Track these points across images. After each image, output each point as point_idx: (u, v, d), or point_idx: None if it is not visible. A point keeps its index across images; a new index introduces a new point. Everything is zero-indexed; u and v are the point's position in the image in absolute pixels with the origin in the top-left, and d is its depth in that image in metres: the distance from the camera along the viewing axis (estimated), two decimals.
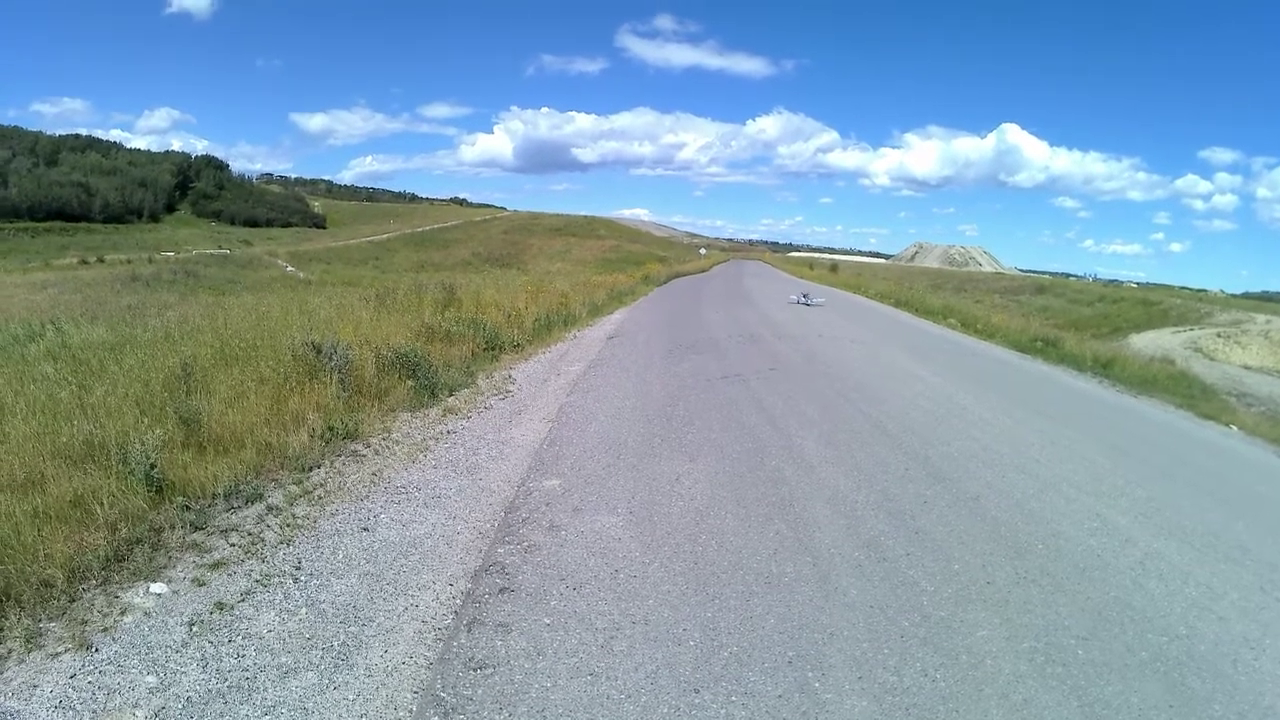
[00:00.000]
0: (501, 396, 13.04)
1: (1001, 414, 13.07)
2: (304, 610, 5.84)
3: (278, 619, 5.70)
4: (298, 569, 6.49)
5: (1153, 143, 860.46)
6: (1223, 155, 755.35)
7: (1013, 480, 9.18)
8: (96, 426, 8.17)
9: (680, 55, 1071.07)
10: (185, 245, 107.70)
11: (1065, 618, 5.99)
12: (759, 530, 7.33)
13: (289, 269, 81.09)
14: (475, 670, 5.13)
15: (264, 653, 5.26)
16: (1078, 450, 10.95)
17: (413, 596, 6.12)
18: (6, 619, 5.47)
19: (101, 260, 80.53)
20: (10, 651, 5.18)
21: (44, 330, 17.05)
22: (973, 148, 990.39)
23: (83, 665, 5.06)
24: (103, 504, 6.77)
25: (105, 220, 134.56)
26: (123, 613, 5.70)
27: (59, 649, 5.23)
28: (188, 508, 7.27)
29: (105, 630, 5.47)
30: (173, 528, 6.94)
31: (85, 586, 5.98)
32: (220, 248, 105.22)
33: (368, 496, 8.16)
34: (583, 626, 5.65)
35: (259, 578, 6.30)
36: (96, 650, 5.23)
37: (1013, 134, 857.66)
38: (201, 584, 6.16)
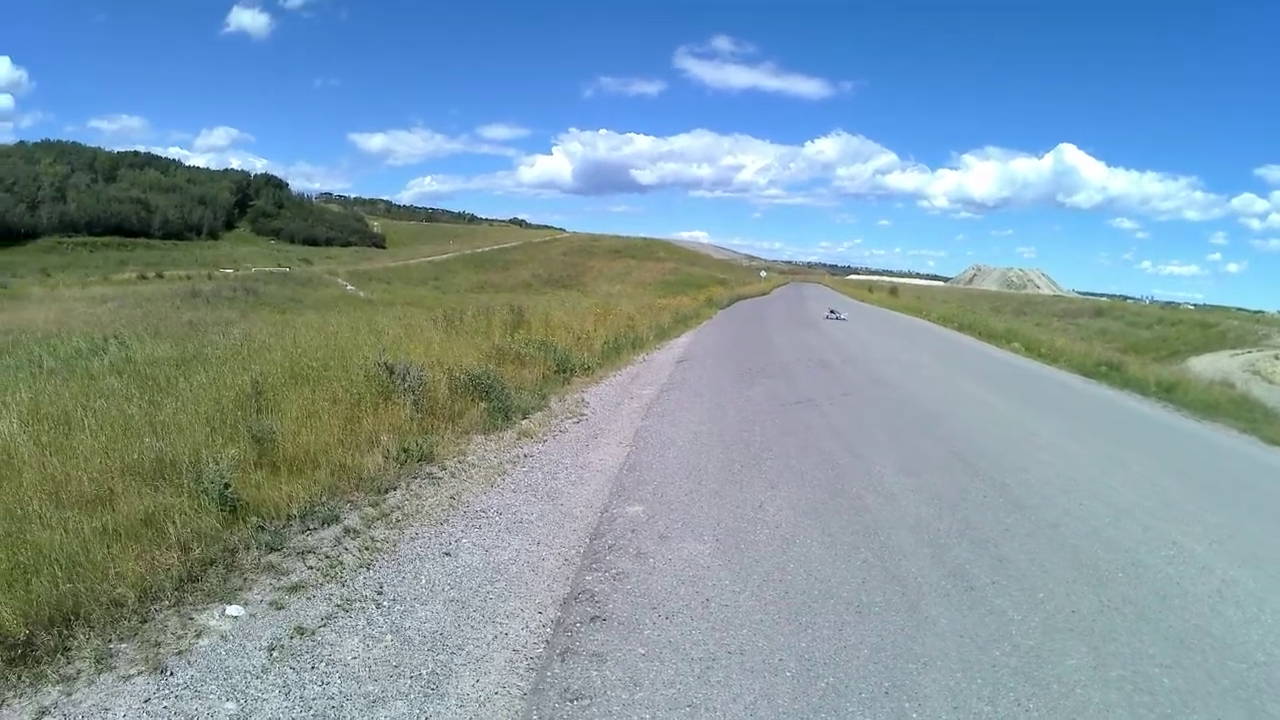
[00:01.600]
0: (576, 420, 12.99)
1: (1072, 440, 13.18)
2: (389, 637, 5.72)
3: (362, 645, 5.59)
4: (380, 593, 6.41)
5: (1209, 161, 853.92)
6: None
7: (1089, 507, 9.19)
8: (167, 444, 8.14)
9: (738, 76, 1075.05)
10: (244, 262, 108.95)
11: (1149, 645, 5.99)
12: (846, 559, 7.27)
13: (349, 288, 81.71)
14: (571, 701, 5.00)
15: (349, 680, 5.15)
16: (1148, 476, 10.98)
17: (501, 624, 6.02)
18: (75, 638, 5.40)
19: (161, 276, 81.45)
20: (80, 672, 5.09)
21: (107, 344, 17.22)
22: (1030, 168, 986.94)
23: (157, 689, 4.96)
24: (175, 523, 6.71)
25: (164, 236, 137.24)
26: (198, 635, 5.62)
27: (131, 671, 5.14)
28: (262, 528, 7.22)
29: (180, 653, 5.37)
30: (247, 548, 6.87)
31: (157, 607, 5.91)
32: (280, 265, 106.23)
33: (447, 520, 8.08)
34: (678, 656, 5.55)
35: (340, 602, 6.22)
36: (171, 674, 5.13)
37: (1070, 154, 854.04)
38: (280, 607, 6.08)
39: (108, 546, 6.24)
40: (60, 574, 5.72)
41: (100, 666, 5.15)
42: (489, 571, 6.91)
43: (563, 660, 5.49)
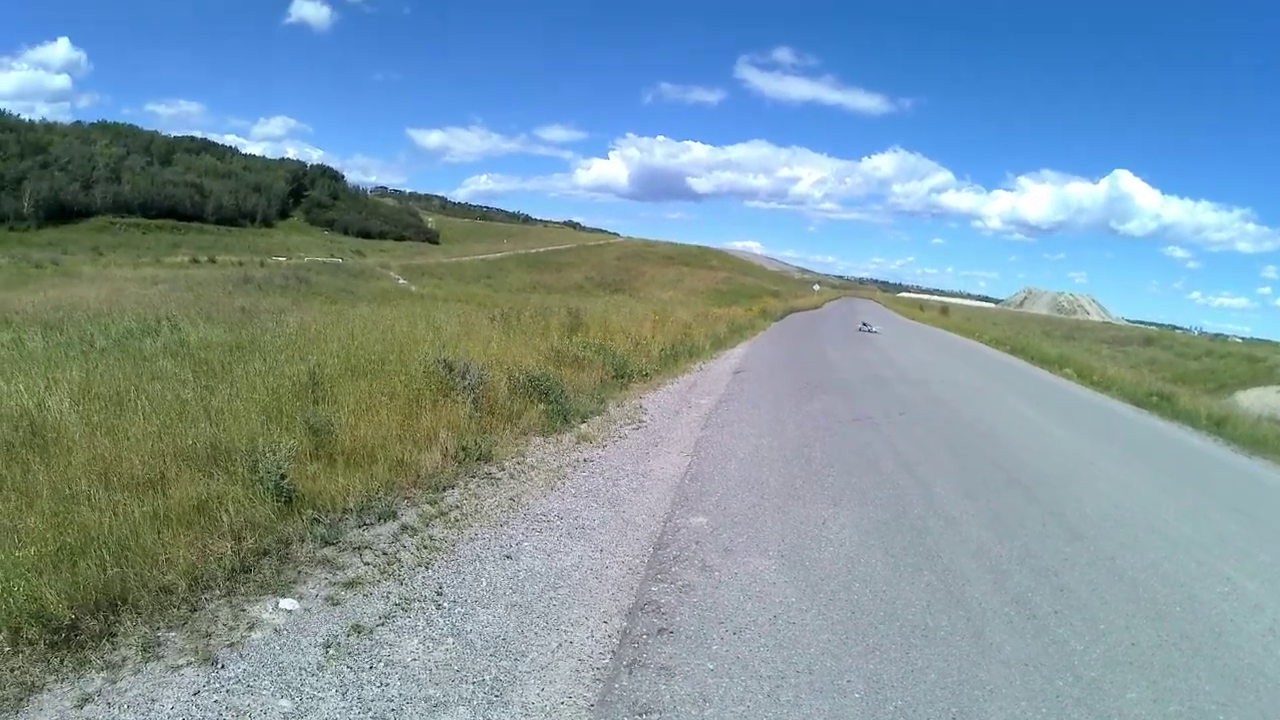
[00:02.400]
0: (635, 426, 12.93)
1: (1127, 470, 13.20)
2: (450, 640, 5.58)
3: (422, 647, 5.44)
4: (439, 594, 6.28)
5: (1264, 193, 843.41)
6: None
7: (1146, 540, 9.14)
8: (221, 430, 8.08)
9: (798, 89, 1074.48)
10: (297, 251, 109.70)
11: (1205, 682, 5.94)
12: (910, 581, 7.22)
13: (401, 281, 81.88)
14: (640, 715, 4.86)
15: (409, 683, 5.00)
16: (1202, 511, 10.94)
17: (565, 632, 5.90)
18: (122, 624, 5.28)
19: (213, 260, 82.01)
20: (125, 660, 4.97)
21: (159, 326, 17.22)
22: (1085, 193, 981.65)
23: (207, 682, 4.83)
24: (228, 511, 6.60)
25: (217, 222, 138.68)
26: (250, 628, 5.49)
27: (180, 661, 5.01)
28: (317, 521, 7.11)
29: (232, 645, 5.25)
30: (302, 541, 6.77)
31: (208, 596, 5.80)
32: (333, 256, 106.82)
33: (507, 522, 7.98)
34: (746, 673, 5.44)
35: (398, 601, 6.09)
36: (222, 667, 5.00)
37: (1125, 180, 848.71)
38: (336, 603, 5.96)
39: (158, 531, 6.13)
40: (108, 557, 5.61)
41: (147, 655, 5.02)
42: (551, 577, 6.81)
43: (630, 672, 5.35)
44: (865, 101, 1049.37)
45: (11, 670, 4.70)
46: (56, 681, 4.70)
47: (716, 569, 7.16)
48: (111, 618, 5.30)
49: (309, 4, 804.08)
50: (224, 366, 11.06)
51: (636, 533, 8.06)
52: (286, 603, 5.85)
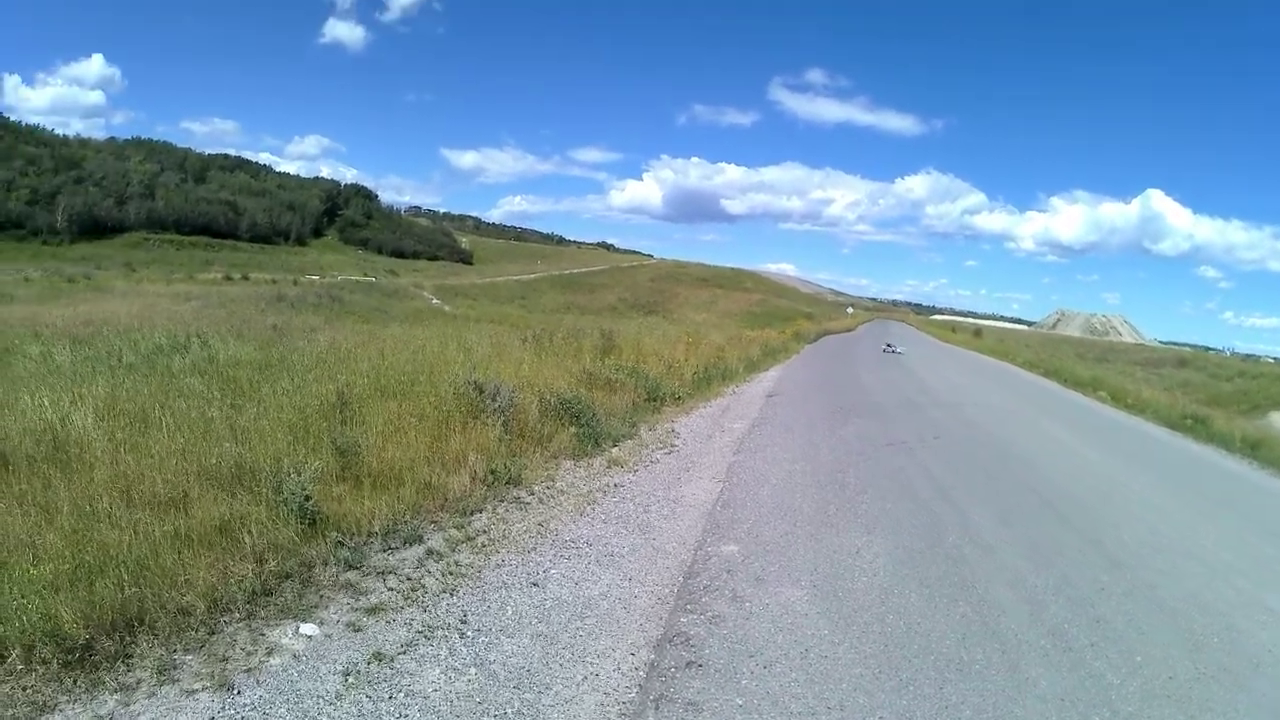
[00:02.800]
0: (667, 451, 12.82)
1: (1164, 495, 13.14)
2: (473, 670, 5.46)
3: (444, 677, 5.33)
4: (463, 622, 6.17)
5: None
6: None
7: (1183, 568, 9.08)
8: (246, 449, 8.00)
9: (830, 110, 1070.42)
10: (331, 270, 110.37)
11: (1243, 715, 5.88)
12: (944, 612, 7.10)
13: (434, 301, 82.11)
14: None
15: (429, 714, 4.89)
16: (1240, 536, 10.87)
17: (591, 664, 5.78)
18: (138, 645, 5.21)
19: (246, 278, 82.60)
20: (140, 682, 4.89)
21: (189, 342, 17.22)
22: (1118, 214, 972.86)
23: (222, 708, 4.73)
24: (251, 532, 6.53)
25: (251, 239, 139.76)
26: (269, 653, 5.40)
27: (195, 686, 4.92)
28: (342, 544, 7.03)
29: (249, 671, 5.15)
30: (325, 564, 6.70)
31: (227, 619, 5.72)
32: (366, 275, 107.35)
33: (535, 549, 7.87)
34: (777, 710, 5.32)
35: (421, 629, 5.98)
36: (238, 692, 4.91)
37: (1157, 200, 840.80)
38: (357, 629, 5.86)
39: (178, 552, 6.07)
40: (126, 576, 5.55)
41: (162, 678, 4.94)
42: (578, 606, 6.71)
43: (657, 708, 5.22)
44: (897, 122, 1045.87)
45: (24, 689, 4.64)
46: (69, 702, 4.63)
47: (747, 599, 7.05)
48: (128, 638, 5.23)
49: (343, 24, 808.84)
50: (252, 385, 11.00)
51: (666, 561, 7.96)
52: (307, 628, 5.76)
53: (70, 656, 4.89)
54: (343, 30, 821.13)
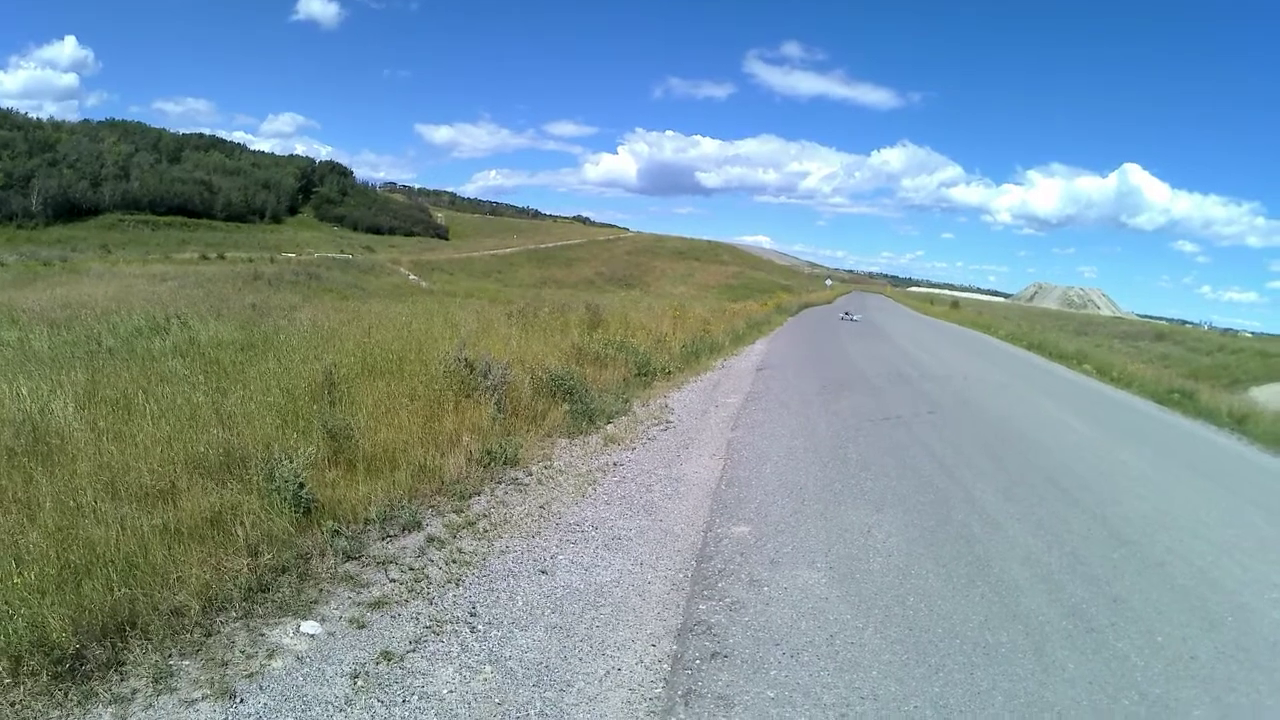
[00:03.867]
0: (663, 427, 12.65)
1: (1160, 471, 13.13)
2: (488, 668, 5.19)
3: (458, 677, 5.05)
4: (473, 615, 5.92)
5: (1274, 186, 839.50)
6: None
7: (1190, 545, 8.99)
8: (234, 435, 7.69)
9: (807, 83, 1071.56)
10: (307, 247, 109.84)
11: (1266, 697, 5.83)
12: (964, 593, 7.00)
13: (411, 277, 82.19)
14: None
15: (447, 719, 4.59)
16: (1240, 514, 10.78)
17: (612, 657, 5.56)
18: (131, 651, 4.90)
19: (222, 257, 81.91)
20: (135, 692, 4.59)
21: (168, 324, 16.90)
22: (1095, 187, 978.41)
23: (225, 719, 4.43)
24: (244, 523, 6.24)
25: (227, 218, 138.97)
26: (270, 655, 5.10)
27: (195, 695, 4.62)
28: (338, 533, 6.75)
29: (250, 676, 4.86)
30: (322, 555, 6.43)
31: (224, 619, 5.43)
32: (342, 252, 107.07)
33: (539, 533, 7.64)
34: (809, 701, 5.16)
35: (429, 623, 5.72)
36: (241, 700, 4.63)
37: (1134, 174, 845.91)
38: (362, 626, 5.58)
39: (169, 547, 5.77)
40: (115, 576, 5.25)
41: (159, 687, 4.65)
42: (591, 594, 6.49)
43: (686, 704, 5.01)
44: (874, 95, 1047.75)
45: (12, 704, 4.34)
46: (61, 717, 4.35)
47: (765, 583, 6.89)
48: (120, 644, 4.93)
49: (316, 0, 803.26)
50: (236, 366, 10.77)
51: (676, 544, 7.76)
52: (308, 626, 5.47)
53: (60, 667, 4.59)
54: (316, 6, 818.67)
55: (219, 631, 5.28)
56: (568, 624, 5.93)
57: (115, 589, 5.14)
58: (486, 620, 5.85)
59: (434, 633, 5.59)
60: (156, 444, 7.35)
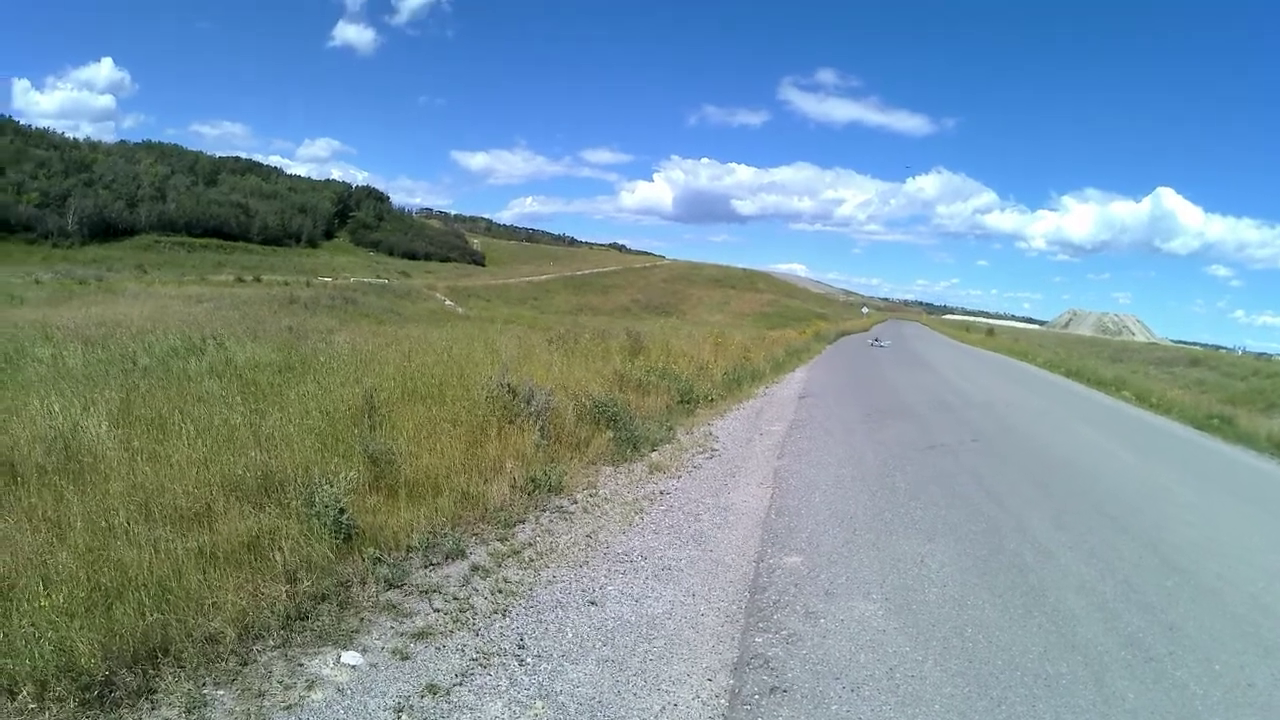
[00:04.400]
0: (708, 455, 12.47)
1: (1205, 497, 13.04)
2: (539, 703, 4.98)
3: (507, 712, 4.84)
4: (521, 647, 5.71)
5: None
6: None
7: (1241, 572, 8.91)
8: (273, 458, 7.52)
9: (841, 110, 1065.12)
10: (343, 272, 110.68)
11: None
12: (1021, 623, 6.88)
13: (448, 303, 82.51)
14: None
15: None
16: None
17: (667, 692, 5.35)
18: (163, 679, 4.71)
19: (258, 280, 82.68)
20: None
21: (204, 345, 16.82)
22: (1128, 212, 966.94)
23: None
24: (282, 549, 6.05)
25: (263, 242, 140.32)
26: (310, 686, 4.90)
27: None
28: (380, 560, 6.55)
29: (289, 708, 4.66)
30: (363, 583, 6.24)
31: (260, 647, 5.23)
32: (378, 277, 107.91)
33: (586, 562, 7.45)
34: None
35: (475, 655, 5.50)
36: None
37: (1168, 198, 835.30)
38: (405, 657, 5.37)
39: (204, 571, 5.60)
40: (148, 601, 5.08)
41: (193, 717, 4.46)
42: (643, 626, 6.28)
43: None
44: (908, 122, 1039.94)
45: None
46: None
47: (821, 615, 6.73)
48: (151, 671, 4.76)
49: (353, 27, 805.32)
50: (274, 388, 10.63)
51: (728, 574, 7.57)
52: (349, 656, 5.26)
53: (88, 693, 4.41)
54: (352, 33, 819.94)
55: (255, 660, 5.09)
56: (620, 657, 5.73)
57: (147, 613, 4.96)
58: (535, 653, 5.65)
59: (481, 665, 5.38)
60: (192, 465, 7.20)
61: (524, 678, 5.28)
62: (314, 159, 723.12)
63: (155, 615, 4.97)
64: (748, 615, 6.65)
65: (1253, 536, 10.54)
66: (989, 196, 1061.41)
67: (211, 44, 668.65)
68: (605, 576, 7.16)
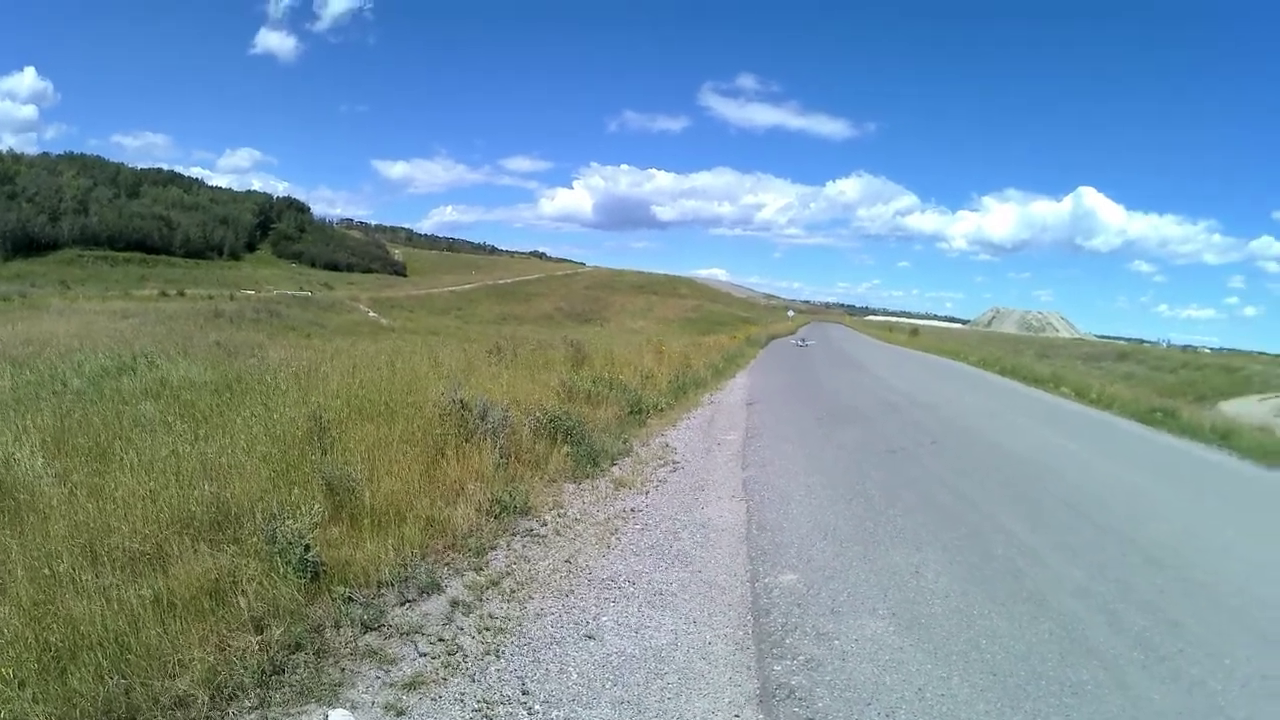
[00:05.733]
0: (670, 468, 12.12)
1: (1171, 490, 13.66)
2: None
3: None
4: (525, 693, 5.19)
5: (1228, 205, 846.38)
6: None
7: (1226, 565, 9.14)
8: (224, 489, 6.95)
9: (762, 115, 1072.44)
10: (266, 284, 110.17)
11: None
12: (1031, 631, 6.80)
13: (371, 314, 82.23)
14: None
15: None
16: (1262, 530, 11.22)
17: None
18: None
19: (182, 294, 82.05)
20: None
21: (135, 363, 16.12)
22: (1050, 211, 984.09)
23: None
24: (246, 593, 5.49)
25: (185, 255, 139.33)
26: None
27: None
28: (351, 599, 6.02)
29: None
30: (338, 626, 5.68)
31: (236, 710, 4.64)
32: (301, 289, 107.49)
33: (572, 591, 7.00)
34: None
35: (477, 705, 4.97)
36: None
37: (1089, 197, 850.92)
38: (400, 713, 4.81)
39: (163, 623, 5.01)
40: (105, 661, 4.52)
41: None
42: (650, 661, 5.85)
43: None
44: (829, 126, 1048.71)
45: None
46: None
47: (833, 636, 6.47)
48: None
49: (275, 34, 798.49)
50: (215, 410, 10.09)
51: (725, 597, 7.21)
52: (338, 715, 4.67)
53: None
54: (274, 40, 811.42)
55: None
56: (635, 698, 5.29)
57: (106, 677, 4.41)
58: (542, 699, 5.15)
59: (486, 717, 4.87)
60: (138, 500, 6.60)
61: None
62: (235, 169, 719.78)
63: (115, 678, 4.41)
64: (758, 641, 6.31)
65: (1225, 529, 10.77)
66: (910, 199, 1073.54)
67: (134, 52, 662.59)
68: (596, 606, 6.72)
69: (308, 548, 6.03)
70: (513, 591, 6.81)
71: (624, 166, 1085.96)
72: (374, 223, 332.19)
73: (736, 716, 5.13)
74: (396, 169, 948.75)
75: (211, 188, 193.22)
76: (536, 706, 5.01)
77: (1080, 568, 8.45)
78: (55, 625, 4.74)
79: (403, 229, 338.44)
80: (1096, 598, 7.61)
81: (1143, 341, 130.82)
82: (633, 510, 9.61)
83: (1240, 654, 6.55)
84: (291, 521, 6.16)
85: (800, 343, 57.52)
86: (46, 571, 5.32)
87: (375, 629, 5.76)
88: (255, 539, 6.16)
